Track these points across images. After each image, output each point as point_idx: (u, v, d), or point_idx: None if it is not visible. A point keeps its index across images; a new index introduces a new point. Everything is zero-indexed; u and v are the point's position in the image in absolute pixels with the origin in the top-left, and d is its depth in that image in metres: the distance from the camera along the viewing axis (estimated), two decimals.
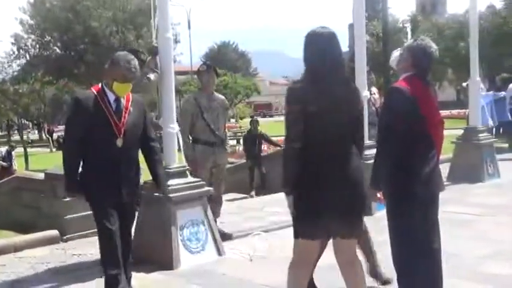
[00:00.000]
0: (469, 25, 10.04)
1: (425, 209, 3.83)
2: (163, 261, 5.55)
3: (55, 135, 41.62)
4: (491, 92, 12.27)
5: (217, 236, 5.92)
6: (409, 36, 27.40)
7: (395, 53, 4.14)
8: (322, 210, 3.33)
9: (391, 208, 3.87)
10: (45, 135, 40.41)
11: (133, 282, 5.17)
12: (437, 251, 3.96)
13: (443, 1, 72.58)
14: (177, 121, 6.06)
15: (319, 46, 3.46)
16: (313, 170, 3.33)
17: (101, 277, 5.22)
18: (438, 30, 21.12)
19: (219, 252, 5.89)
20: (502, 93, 12.78)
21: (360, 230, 3.61)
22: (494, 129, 12.75)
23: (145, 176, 6.62)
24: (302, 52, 3.52)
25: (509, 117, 12.50)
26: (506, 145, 12.50)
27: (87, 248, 6.40)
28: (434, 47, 3.87)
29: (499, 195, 8.03)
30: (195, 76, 7.34)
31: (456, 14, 22.30)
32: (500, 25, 18.57)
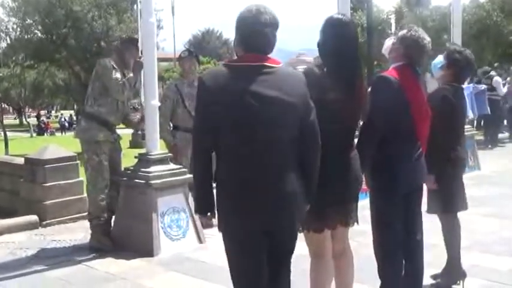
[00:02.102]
0: (452, 18, 10.07)
1: (408, 200, 3.85)
2: (143, 248, 5.53)
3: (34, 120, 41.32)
4: (471, 85, 12.32)
5: (198, 223, 5.90)
6: (393, 27, 27.37)
7: (388, 42, 4.13)
8: (330, 202, 3.33)
9: (373, 198, 3.89)
10: (26, 120, 39.99)
11: (113, 268, 5.17)
12: (419, 242, 3.99)
13: None
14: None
15: (344, 35, 3.39)
16: (320, 162, 3.13)
17: (80, 263, 5.22)
18: (422, 22, 21.15)
19: (200, 239, 5.88)
20: (482, 86, 12.87)
21: (356, 216, 3.62)
22: (475, 121, 12.87)
23: (126, 161, 6.62)
24: (321, 38, 3.43)
25: (488, 110, 12.61)
26: (482, 137, 12.63)
27: (66, 234, 6.37)
28: (427, 39, 3.87)
29: (479, 187, 8.11)
30: (178, 63, 7.27)
31: (440, 6, 22.38)
32: (483, 18, 18.65)
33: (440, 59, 4.65)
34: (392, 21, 31.07)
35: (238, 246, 2.90)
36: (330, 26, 3.42)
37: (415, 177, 3.86)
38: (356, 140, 3.65)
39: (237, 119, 2.76)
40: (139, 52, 5.86)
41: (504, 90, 14.13)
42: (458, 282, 4.53)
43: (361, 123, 3.74)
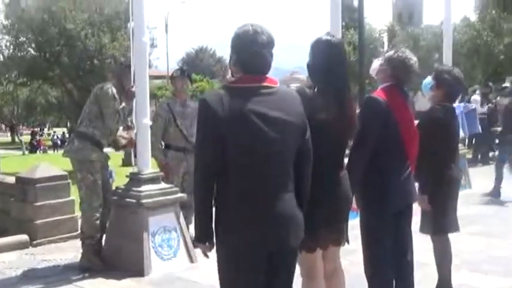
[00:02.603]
0: (443, 37, 10.18)
1: (398, 219, 3.87)
2: (134, 267, 5.51)
3: (28, 137, 41.19)
4: (462, 104, 12.40)
5: (190, 242, 5.88)
6: (386, 45, 27.63)
7: (376, 63, 4.18)
8: (322, 222, 3.34)
9: (364, 217, 3.91)
10: (18, 137, 39.88)
11: None
12: (409, 262, 4.01)
13: (420, 12, 73.67)
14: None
15: (333, 56, 3.44)
16: (312, 182, 3.15)
17: (70, 283, 5.19)
18: (414, 41, 21.38)
19: (191, 259, 5.86)
20: (473, 105, 12.94)
21: (347, 235, 3.63)
22: (467, 140, 12.93)
23: (118, 180, 6.62)
24: (311, 59, 3.48)
25: (479, 129, 12.66)
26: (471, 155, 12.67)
27: (56, 254, 6.33)
28: (414, 59, 3.92)
29: (469, 206, 8.13)
30: (171, 82, 7.30)
31: (432, 25, 22.61)
32: (474, 38, 18.89)
33: (430, 79, 4.70)
34: (385, 39, 31.34)
35: (236, 260, 2.84)
36: (319, 47, 3.46)
37: (404, 196, 3.89)
38: (346, 160, 3.68)
39: (239, 139, 2.77)
40: (132, 76, 5.89)
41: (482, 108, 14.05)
42: None
43: (350, 143, 3.77)
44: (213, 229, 2.87)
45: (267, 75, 2.92)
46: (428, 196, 4.25)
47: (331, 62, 3.41)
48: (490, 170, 13.15)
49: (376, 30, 30.00)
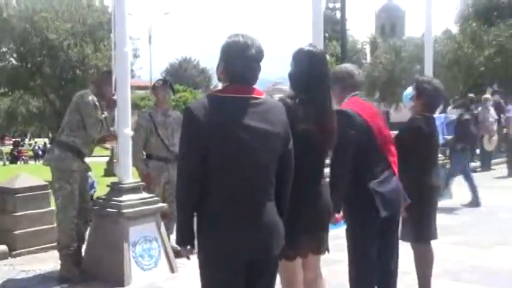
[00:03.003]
0: (425, 48, 10.29)
1: (384, 228, 3.87)
2: (114, 278, 5.45)
3: (7, 148, 40.77)
4: (443, 115, 12.52)
5: (171, 252, 5.86)
6: (368, 57, 27.88)
7: None
8: (302, 231, 3.35)
9: (351, 229, 3.89)
10: None
11: None
12: (393, 272, 4.01)
13: (402, 24, 74.24)
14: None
15: (315, 66, 3.47)
16: (293, 191, 3.15)
17: None
18: (395, 52, 21.60)
19: (172, 269, 5.82)
20: (453, 116, 13.08)
21: (327, 244, 3.64)
22: (447, 150, 13.03)
23: (100, 190, 6.58)
24: (292, 69, 3.51)
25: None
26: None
27: (36, 264, 6.26)
28: (357, 71, 4.04)
29: (450, 216, 8.20)
30: (152, 92, 7.28)
31: (413, 37, 22.86)
32: (455, 49, 19.13)
33: (410, 90, 4.75)
34: (367, 51, 31.61)
35: (217, 266, 2.85)
36: (300, 57, 3.50)
37: (392, 203, 3.86)
38: (328, 170, 3.70)
39: (222, 148, 2.78)
40: (114, 84, 5.87)
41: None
42: None
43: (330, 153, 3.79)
44: (195, 233, 2.88)
45: (254, 87, 2.93)
46: (408, 203, 4.27)
47: (312, 72, 3.44)
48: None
49: (358, 42, 30.27)
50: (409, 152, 4.20)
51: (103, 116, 5.77)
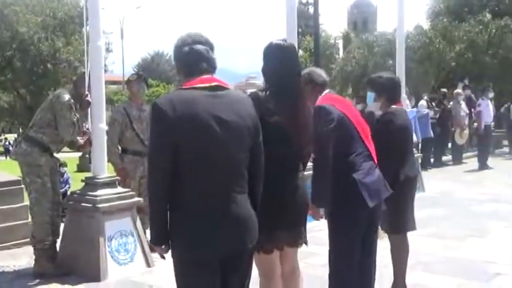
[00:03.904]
0: (396, 43, 10.41)
1: (367, 219, 3.90)
2: (90, 273, 5.44)
3: None
4: (414, 109, 12.72)
5: (147, 247, 5.85)
6: (341, 52, 28.05)
7: None
8: (278, 224, 3.36)
9: (335, 222, 3.90)
10: None
11: None
12: (373, 262, 4.04)
13: (374, 20, 74.81)
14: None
15: (284, 59, 3.51)
16: (269, 184, 3.20)
17: None
18: (368, 47, 21.78)
19: (148, 263, 5.82)
20: (425, 111, 13.30)
21: (305, 237, 3.67)
22: (420, 144, 13.24)
23: (73, 185, 6.53)
24: (263, 63, 3.54)
25: (431, 133, 13.01)
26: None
27: (9, 260, 6.20)
28: (322, 73, 4.10)
29: (422, 208, 8.26)
30: (127, 86, 7.25)
31: (385, 32, 23.07)
32: (427, 45, 19.37)
33: (369, 93, 4.75)
34: (340, 46, 31.77)
35: (190, 262, 2.82)
36: (270, 51, 3.54)
37: (376, 194, 3.87)
38: (310, 165, 3.72)
39: (191, 141, 2.76)
40: (87, 81, 5.84)
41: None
42: None
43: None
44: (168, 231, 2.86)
45: (215, 77, 2.94)
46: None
47: (282, 65, 3.48)
48: (441, 173, 13.56)
49: (331, 37, 30.40)
50: (384, 145, 4.25)
51: (76, 118, 5.72)
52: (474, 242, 6.80)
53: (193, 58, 2.94)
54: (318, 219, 3.89)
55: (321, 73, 4.07)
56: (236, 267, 2.96)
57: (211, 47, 3.02)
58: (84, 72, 6.00)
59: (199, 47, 2.96)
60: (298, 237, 3.59)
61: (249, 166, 2.95)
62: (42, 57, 18.07)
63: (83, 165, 18.61)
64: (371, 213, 3.88)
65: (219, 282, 2.89)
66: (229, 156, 2.82)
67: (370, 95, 4.71)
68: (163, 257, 2.96)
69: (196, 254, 2.81)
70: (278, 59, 3.50)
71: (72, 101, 5.70)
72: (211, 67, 2.96)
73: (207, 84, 2.86)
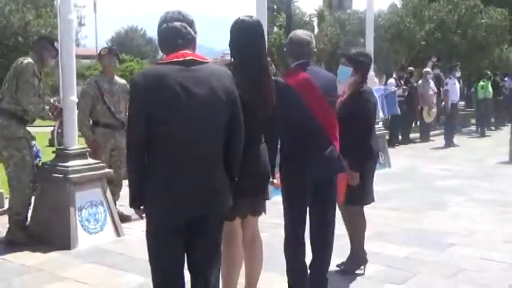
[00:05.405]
0: (366, 22, 10.60)
1: (319, 192, 4.06)
2: (60, 241, 5.59)
3: None
4: (382, 86, 12.97)
5: (116, 217, 6.02)
6: (316, 29, 28.01)
7: None
8: (241, 193, 3.47)
9: (284, 189, 4.12)
10: None
11: (29, 261, 5.23)
12: (327, 234, 4.17)
13: None
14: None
15: (247, 34, 3.64)
16: None
17: None
18: (340, 26, 21.93)
19: (118, 233, 5.99)
20: (393, 88, 13.54)
21: (264, 206, 3.88)
22: (387, 121, 13.50)
23: (45, 159, 6.63)
24: (229, 39, 3.69)
25: (398, 111, 13.27)
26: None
27: None
28: (301, 36, 4.15)
29: (385, 183, 8.57)
30: (98, 59, 7.33)
31: (358, 10, 23.22)
32: (397, 23, 19.61)
33: (345, 67, 4.78)
34: (315, 23, 31.80)
35: (157, 225, 3.05)
36: (235, 27, 3.69)
37: (323, 170, 4.04)
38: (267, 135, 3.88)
39: (162, 112, 2.93)
40: (58, 52, 5.91)
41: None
42: (361, 267, 4.90)
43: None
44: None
45: (189, 51, 3.07)
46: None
47: (245, 41, 3.63)
48: (408, 149, 13.88)
49: (306, 15, 30.40)
50: (354, 122, 4.45)
51: (42, 108, 5.79)
52: (432, 214, 7.11)
53: (170, 34, 3.11)
54: (276, 188, 4.11)
55: (297, 45, 4.13)
56: (201, 232, 3.13)
57: (190, 23, 3.17)
58: (44, 37, 6.04)
59: (176, 24, 3.12)
60: (259, 206, 3.80)
61: (227, 138, 3.13)
62: (12, 29, 17.80)
63: (55, 141, 18.48)
64: (321, 185, 4.06)
65: (181, 245, 3.09)
66: (199, 127, 2.98)
67: (346, 70, 4.75)
68: (141, 217, 3.17)
69: (161, 217, 3.04)
70: (239, 35, 3.65)
71: (35, 66, 5.72)
72: (187, 43, 3.11)
73: (181, 59, 3.00)
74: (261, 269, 4.00)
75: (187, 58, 3.01)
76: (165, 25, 3.14)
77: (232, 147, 3.19)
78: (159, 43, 3.19)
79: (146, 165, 3.03)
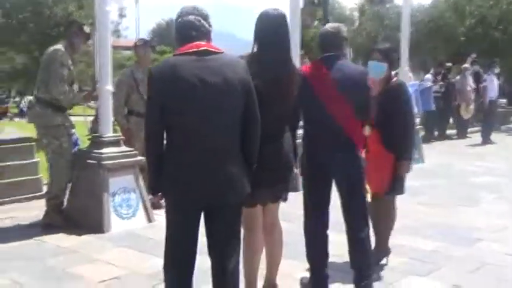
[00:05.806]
0: (402, 17, 10.54)
1: (340, 189, 4.16)
2: (94, 225, 5.80)
3: None
4: (417, 82, 12.87)
5: (148, 204, 6.19)
6: (356, 23, 27.87)
7: None
8: (262, 183, 3.55)
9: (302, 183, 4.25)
10: None
11: (64, 243, 5.44)
12: (358, 235, 4.22)
13: None
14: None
15: (269, 26, 3.69)
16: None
17: (31, 238, 5.38)
18: (380, 20, 21.78)
19: (149, 219, 6.16)
20: (428, 83, 13.43)
21: (286, 195, 3.95)
22: (424, 117, 13.41)
23: (83, 145, 6.83)
24: (254, 28, 3.75)
25: (433, 106, 13.16)
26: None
27: (19, 212, 6.58)
28: (327, 28, 4.23)
29: (418, 178, 8.52)
30: (134, 50, 7.51)
31: (397, 5, 23.05)
32: (436, 18, 19.39)
33: (377, 63, 4.68)
34: (356, 18, 31.56)
35: (173, 210, 3.20)
36: (260, 18, 3.75)
37: (338, 168, 4.08)
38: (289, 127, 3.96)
39: (177, 102, 3.01)
40: (88, 37, 6.11)
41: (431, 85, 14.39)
42: (385, 258, 4.95)
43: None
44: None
45: (203, 42, 3.14)
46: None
47: (267, 32, 3.69)
48: (444, 146, 13.75)
49: (347, 8, 30.26)
50: (397, 113, 4.56)
51: (74, 93, 5.95)
52: (462, 210, 7.07)
53: (184, 27, 3.20)
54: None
55: (326, 32, 4.21)
56: (218, 219, 3.23)
57: (204, 17, 3.26)
58: (76, 24, 6.22)
59: (190, 17, 3.22)
60: (279, 194, 3.87)
61: (244, 127, 3.19)
62: (55, 19, 18.26)
63: (95, 130, 18.83)
64: (340, 182, 4.14)
65: (196, 229, 3.20)
66: (215, 117, 3.06)
67: (381, 66, 4.67)
68: (160, 205, 3.31)
69: (178, 203, 3.17)
70: (264, 26, 3.71)
71: (63, 54, 5.85)
72: (202, 35, 3.20)
73: (195, 50, 3.09)
74: (281, 256, 4.06)
75: (202, 49, 3.09)
76: (180, 19, 3.25)
77: (248, 137, 3.24)
78: (175, 37, 3.28)
79: (164, 153, 3.14)
